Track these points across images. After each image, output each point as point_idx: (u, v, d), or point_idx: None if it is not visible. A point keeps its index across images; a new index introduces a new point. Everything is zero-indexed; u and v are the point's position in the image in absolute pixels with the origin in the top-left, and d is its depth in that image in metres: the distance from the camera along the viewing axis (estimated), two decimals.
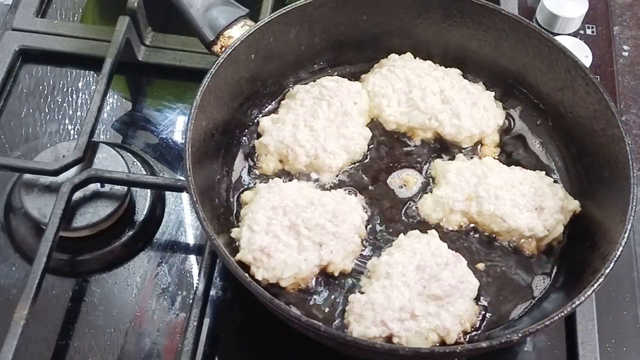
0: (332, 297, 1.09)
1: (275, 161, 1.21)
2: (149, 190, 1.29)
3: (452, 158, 1.23)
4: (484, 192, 1.15)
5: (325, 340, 1.00)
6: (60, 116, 1.40)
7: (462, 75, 1.30)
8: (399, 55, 1.31)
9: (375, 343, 0.97)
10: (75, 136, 1.36)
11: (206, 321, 1.13)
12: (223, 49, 1.21)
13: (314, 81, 1.29)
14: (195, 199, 1.03)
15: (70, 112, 1.41)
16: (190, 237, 1.28)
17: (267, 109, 1.29)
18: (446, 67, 1.30)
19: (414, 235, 1.12)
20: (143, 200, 1.28)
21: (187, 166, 1.05)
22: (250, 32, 1.20)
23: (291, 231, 1.10)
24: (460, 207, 1.15)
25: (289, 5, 1.23)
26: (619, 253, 1.01)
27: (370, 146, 1.25)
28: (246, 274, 1.00)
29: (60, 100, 1.42)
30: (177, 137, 1.39)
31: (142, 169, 1.31)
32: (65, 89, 1.44)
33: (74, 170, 1.23)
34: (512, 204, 1.14)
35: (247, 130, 1.26)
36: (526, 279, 1.13)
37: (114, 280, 1.22)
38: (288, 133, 1.20)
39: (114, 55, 1.33)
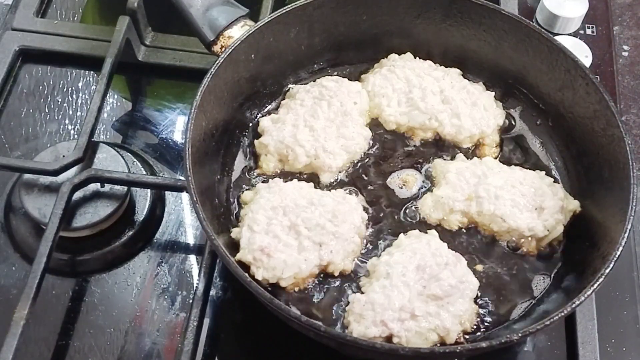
0: (332, 297, 1.09)
1: (275, 161, 1.21)
2: (149, 190, 1.29)
3: (452, 158, 1.23)
4: (484, 192, 1.15)
5: (325, 340, 1.00)
6: (60, 116, 1.40)
7: (462, 75, 1.30)
8: (399, 55, 1.31)
9: (375, 343, 0.97)
10: (75, 136, 1.36)
11: (206, 321, 1.13)
12: (223, 49, 1.21)
13: (314, 81, 1.29)
14: (195, 199, 1.03)
15: (70, 112, 1.41)
16: (190, 237, 1.28)
17: (267, 109, 1.29)
18: (446, 67, 1.30)
19: (414, 235, 1.12)
20: (143, 200, 1.28)
21: (187, 166, 1.05)
22: (250, 32, 1.20)
23: (291, 231, 1.10)
24: (460, 207, 1.15)
25: (289, 5, 1.23)
26: (619, 253, 1.01)
27: (370, 146, 1.25)
28: (246, 274, 1.00)
29: (60, 100, 1.42)
30: (177, 137, 1.39)
31: (142, 169, 1.31)
32: (65, 89, 1.44)
33: (74, 170, 1.23)
34: (512, 204, 1.14)
35: (247, 130, 1.26)
36: (526, 279, 1.13)
37: (114, 280, 1.22)
38: (288, 133, 1.20)
39: (114, 55, 1.33)
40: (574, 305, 0.97)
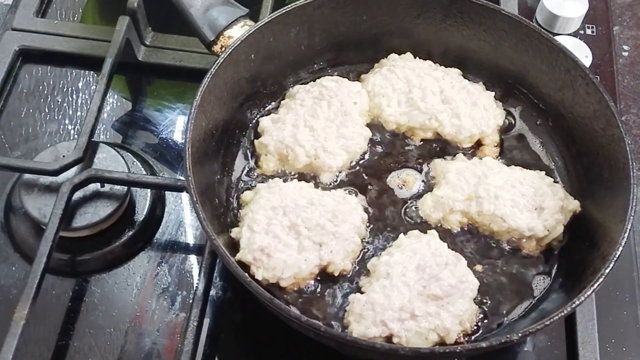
0: (332, 297, 1.09)
1: (275, 161, 1.21)
2: (149, 190, 1.29)
3: (452, 158, 1.23)
4: (484, 192, 1.15)
5: (325, 340, 1.00)
6: (60, 116, 1.40)
7: (462, 75, 1.30)
8: (399, 55, 1.31)
9: (375, 343, 0.97)
10: (75, 136, 1.36)
11: (206, 321, 1.13)
12: (223, 49, 1.21)
13: (314, 81, 1.29)
14: (195, 199, 1.03)
15: (70, 112, 1.41)
16: (190, 237, 1.28)
17: (267, 109, 1.29)
18: (446, 67, 1.30)
19: (414, 235, 1.12)
20: (143, 200, 1.28)
21: (187, 166, 1.05)
22: (250, 32, 1.19)
23: (291, 231, 1.10)
24: (460, 207, 1.15)
25: (289, 5, 1.23)
26: (619, 253, 1.01)
27: (370, 146, 1.25)
28: (246, 274, 1.00)
29: (60, 100, 1.42)
30: (177, 137, 1.39)
31: (142, 169, 1.31)
32: (65, 89, 1.44)
33: (74, 170, 1.23)
34: (512, 204, 1.14)
35: (247, 130, 1.26)
36: (526, 279, 1.13)
37: (114, 280, 1.22)
38: (288, 133, 1.20)
39: (114, 55, 1.33)
40: (574, 305, 0.97)
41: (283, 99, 1.29)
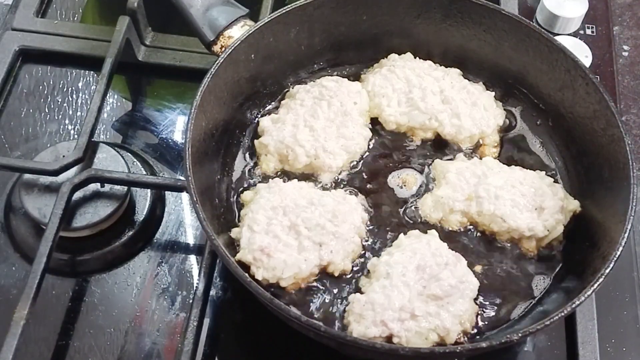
0: (332, 297, 1.09)
1: (275, 161, 1.21)
2: (149, 190, 1.29)
3: (452, 158, 1.23)
4: (484, 192, 1.15)
5: (325, 340, 1.00)
6: (60, 116, 1.40)
7: (462, 75, 1.30)
8: (399, 55, 1.31)
9: (375, 343, 0.97)
10: (75, 136, 1.36)
11: (206, 321, 1.13)
12: (223, 49, 1.21)
13: (314, 81, 1.29)
14: (195, 199, 1.03)
15: (70, 112, 1.41)
16: (190, 237, 1.28)
17: (267, 109, 1.29)
18: (446, 67, 1.30)
19: (414, 235, 1.12)
20: (143, 200, 1.28)
21: (187, 166, 1.05)
22: (250, 32, 1.20)
23: (291, 231, 1.10)
24: (460, 207, 1.15)
25: (289, 5, 1.23)
26: (619, 253, 1.01)
27: (370, 146, 1.25)
28: (246, 274, 1.00)
29: (60, 100, 1.42)
30: (177, 137, 1.39)
31: (142, 169, 1.31)
32: (65, 89, 1.44)
33: (74, 170, 1.23)
34: (512, 204, 1.14)
35: (247, 130, 1.26)
36: (526, 279, 1.13)
37: (114, 280, 1.22)
38: (288, 133, 1.20)
39: (114, 55, 1.33)
40: (574, 305, 0.97)
41: (283, 99, 1.29)
